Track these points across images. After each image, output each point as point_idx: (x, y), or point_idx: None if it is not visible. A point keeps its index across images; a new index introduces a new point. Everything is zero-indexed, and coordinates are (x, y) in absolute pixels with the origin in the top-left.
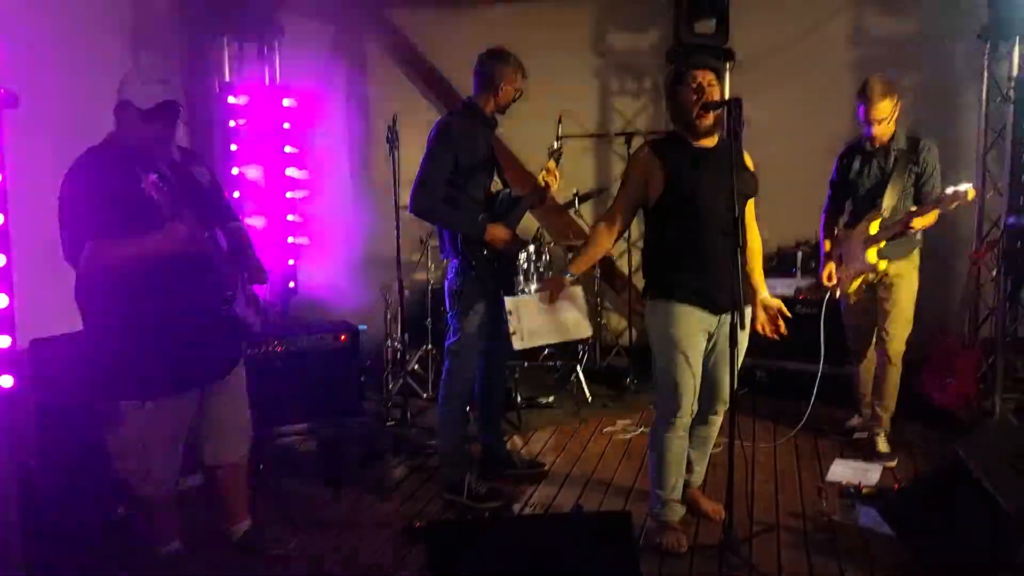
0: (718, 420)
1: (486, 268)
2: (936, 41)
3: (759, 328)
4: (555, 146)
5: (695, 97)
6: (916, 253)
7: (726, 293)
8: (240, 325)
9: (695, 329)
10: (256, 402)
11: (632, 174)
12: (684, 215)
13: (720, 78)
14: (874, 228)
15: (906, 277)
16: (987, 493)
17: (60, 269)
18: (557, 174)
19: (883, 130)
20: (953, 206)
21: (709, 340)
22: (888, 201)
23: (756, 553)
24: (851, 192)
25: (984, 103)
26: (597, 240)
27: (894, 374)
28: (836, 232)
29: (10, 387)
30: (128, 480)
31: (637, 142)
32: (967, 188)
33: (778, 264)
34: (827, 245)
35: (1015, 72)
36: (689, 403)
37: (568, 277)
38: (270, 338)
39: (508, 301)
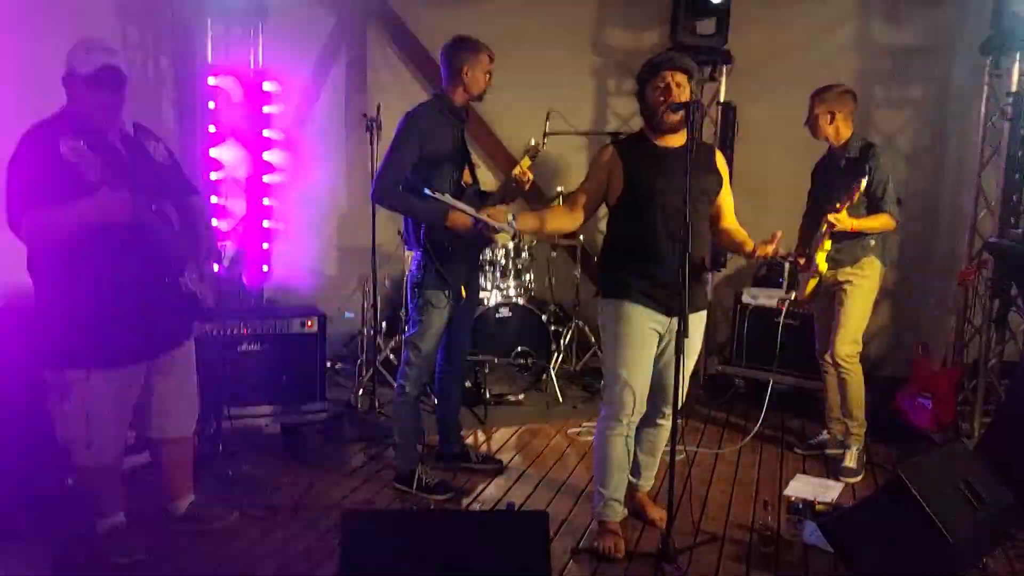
0: (667, 424)
1: (448, 261)
2: (939, 54)
3: (773, 253)
4: (532, 143)
5: (661, 97)
6: (869, 263)
7: (677, 300)
8: (190, 300)
9: (645, 328)
10: (219, 383)
11: (594, 171)
12: (641, 215)
13: (692, 78)
14: (822, 230)
15: (855, 284)
16: (929, 518)
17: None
18: (530, 174)
19: (821, 134)
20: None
21: (660, 341)
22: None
23: (695, 563)
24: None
25: (983, 119)
26: (554, 211)
27: (849, 383)
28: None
29: None
30: (71, 449)
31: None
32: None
33: (767, 274)
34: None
35: (1013, 88)
36: (634, 402)
37: (509, 216)
38: (236, 319)
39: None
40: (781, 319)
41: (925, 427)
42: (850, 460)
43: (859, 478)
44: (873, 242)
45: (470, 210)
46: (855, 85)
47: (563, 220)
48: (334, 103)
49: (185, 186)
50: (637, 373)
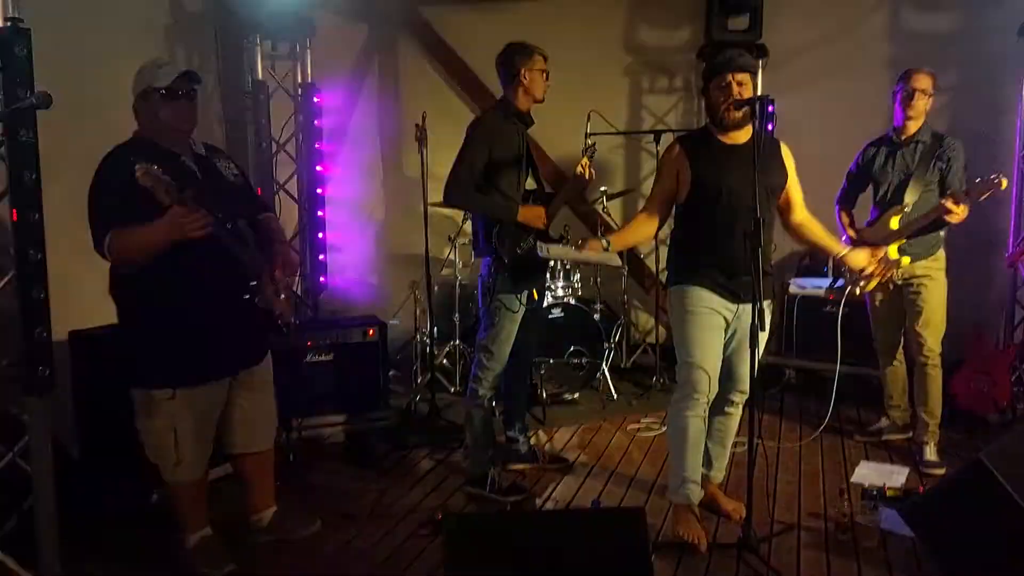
0: (736, 412)
1: (518, 264)
2: (975, 38)
3: (871, 271)
4: (588, 143)
5: (723, 97)
6: (941, 253)
7: (745, 288)
8: (268, 316)
9: (712, 310)
10: (286, 394)
11: (663, 170)
12: (709, 211)
13: (754, 75)
14: (895, 223)
15: (934, 277)
16: (1011, 499)
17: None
18: (592, 171)
19: (916, 112)
20: (984, 196)
21: (728, 328)
22: (910, 197)
23: (775, 553)
24: (872, 186)
25: (1022, 99)
26: (637, 223)
27: (933, 378)
28: (854, 227)
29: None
30: (159, 467)
31: (667, 140)
32: (999, 177)
33: (811, 264)
34: (851, 232)
35: None
36: (706, 381)
37: (604, 242)
38: (300, 331)
39: (540, 246)
40: (839, 309)
41: (982, 410)
42: (930, 453)
43: (943, 470)
44: (943, 232)
45: (573, 252)
46: (889, 73)
47: (647, 228)
48: (370, 113)
49: (257, 203)
50: (707, 354)
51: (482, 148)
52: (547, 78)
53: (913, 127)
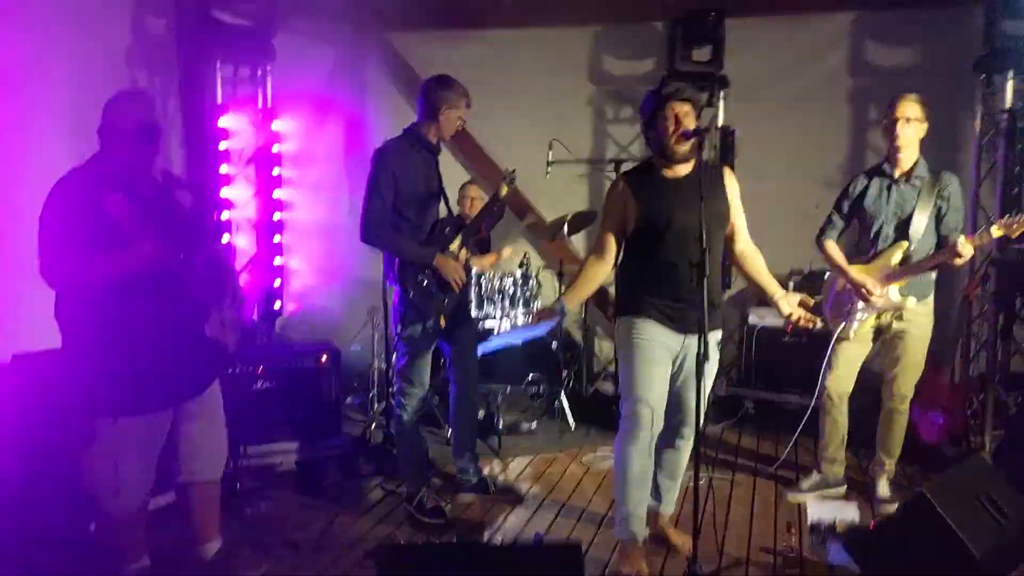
0: (686, 446)
1: (423, 294)
2: (932, 73)
3: (796, 319)
4: (508, 169)
5: (672, 127)
6: (931, 298)
7: (692, 319)
8: (215, 346)
9: (658, 344)
10: (235, 421)
11: (610, 206)
12: (656, 244)
13: (696, 106)
14: (895, 260)
15: (921, 324)
16: (952, 532)
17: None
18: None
19: (906, 141)
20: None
21: (675, 362)
22: (915, 233)
23: None
24: (863, 219)
25: (977, 135)
26: (588, 272)
27: (900, 423)
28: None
29: None
30: (98, 496)
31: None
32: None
33: None
34: (846, 268)
35: (1007, 104)
36: (650, 415)
37: (557, 306)
38: (251, 359)
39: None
40: (832, 343)
41: (937, 441)
42: (884, 489)
43: (896, 505)
44: (934, 275)
45: (533, 328)
46: (850, 106)
47: (600, 272)
48: (335, 138)
49: (210, 234)
50: (652, 388)
51: (388, 179)
52: (462, 126)
53: (906, 159)
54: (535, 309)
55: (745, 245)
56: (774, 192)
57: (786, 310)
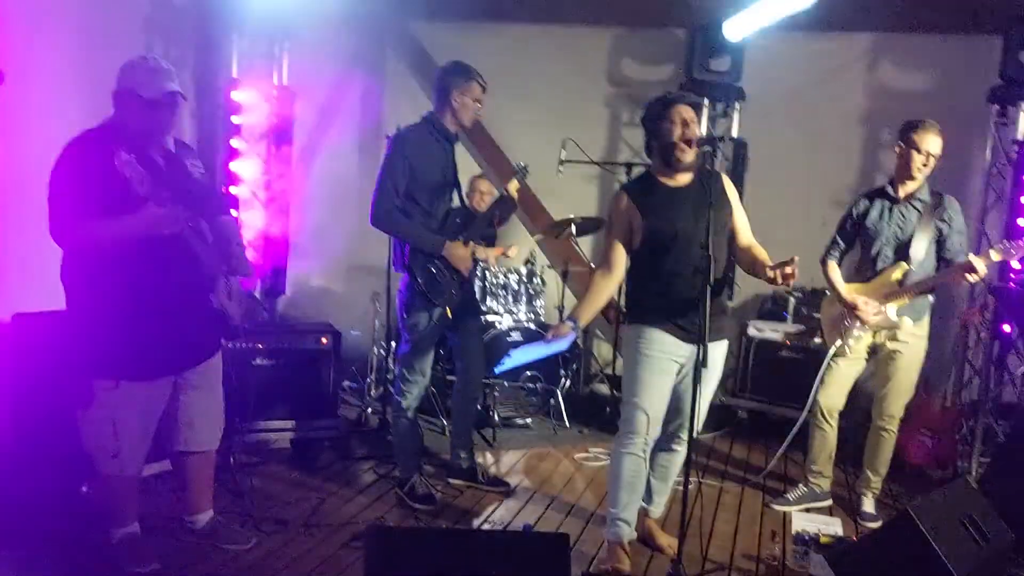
0: (681, 451)
1: (432, 282)
2: (946, 100)
3: (773, 275)
4: (521, 164)
5: (679, 131)
6: (927, 320)
7: (698, 327)
8: (219, 317)
9: (664, 352)
10: (233, 396)
11: (616, 222)
12: (663, 255)
13: (699, 113)
14: (895, 280)
15: (915, 345)
16: (934, 552)
17: (51, 246)
18: (515, 196)
19: (925, 176)
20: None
21: (680, 370)
22: (916, 254)
23: None
24: (864, 240)
25: (988, 164)
26: (597, 288)
27: (888, 442)
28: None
29: None
30: (96, 457)
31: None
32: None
33: (772, 308)
34: (845, 293)
35: (1019, 136)
36: (647, 424)
37: (570, 324)
38: (252, 334)
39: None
40: (827, 359)
41: (924, 464)
42: (869, 505)
43: (879, 523)
44: (931, 297)
45: (552, 343)
46: (862, 126)
47: (607, 285)
48: (349, 121)
49: (220, 203)
50: (652, 397)
51: (403, 165)
52: (480, 109)
53: (915, 185)
54: (538, 306)
55: (749, 240)
56: (782, 207)
57: (769, 274)
